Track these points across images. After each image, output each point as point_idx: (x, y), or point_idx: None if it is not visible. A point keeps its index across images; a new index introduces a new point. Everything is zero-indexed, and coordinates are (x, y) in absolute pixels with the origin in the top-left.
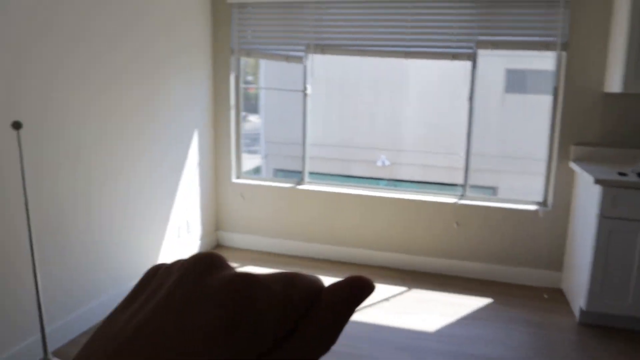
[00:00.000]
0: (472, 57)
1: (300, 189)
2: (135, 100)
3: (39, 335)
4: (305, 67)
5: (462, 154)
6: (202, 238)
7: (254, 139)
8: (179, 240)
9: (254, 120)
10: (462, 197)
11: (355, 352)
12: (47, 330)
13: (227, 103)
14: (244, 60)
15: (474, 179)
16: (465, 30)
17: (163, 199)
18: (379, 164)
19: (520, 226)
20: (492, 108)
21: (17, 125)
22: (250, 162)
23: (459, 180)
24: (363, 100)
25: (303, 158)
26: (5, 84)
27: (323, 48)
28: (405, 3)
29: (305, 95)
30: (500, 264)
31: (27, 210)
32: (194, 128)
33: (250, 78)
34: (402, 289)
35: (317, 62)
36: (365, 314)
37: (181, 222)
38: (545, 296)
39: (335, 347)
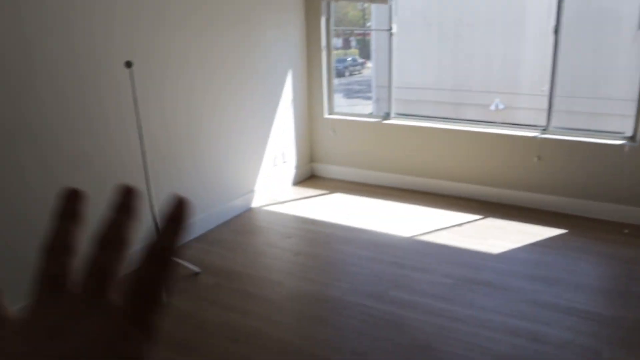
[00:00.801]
0: None
1: (386, 123)
2: (230, 41)
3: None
4: (390, 7)
5: (580, 95)
6: (297, 168)
7: (369, 84)
8: (275, 168)
9: (370, 66)
10: (544, 131)
11: (418, 265)
12: None
13: (318, 45)
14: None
15: (602, 124)
16: None
17: (260, 131)
18: (492, 107)
19: (605, 161)
20: (622, 46)
21: (128, 64)
22: (364, 108)
23: (580, 124)
24: (478, 41)
25: (389, 93)
26: (120, 30)
27: None
28: None
29: (390, 35)
30: (580, 197)
31: (141, 137)
32: (288, 68)
33: (369, 24)
34: (478, 217)
35: (430, 8)
36: (436, 235)
37: (277, 152)
38: (626, 231)
39: (398, 260)
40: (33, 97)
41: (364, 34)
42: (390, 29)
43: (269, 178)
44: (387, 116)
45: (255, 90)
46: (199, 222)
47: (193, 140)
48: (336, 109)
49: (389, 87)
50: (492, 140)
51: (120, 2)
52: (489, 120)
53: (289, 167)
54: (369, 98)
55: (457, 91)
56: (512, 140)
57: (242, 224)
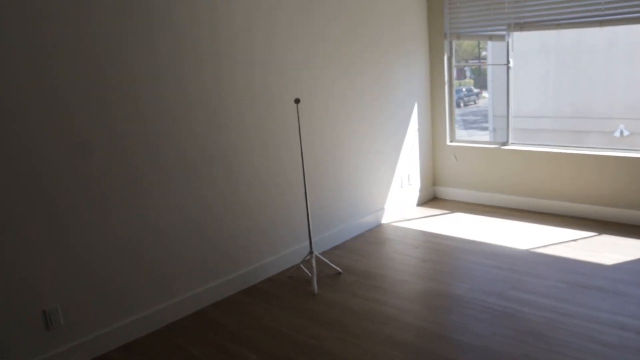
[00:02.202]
0: None
1: (504, 149)
2: (367, 80)
3: (307, 242)
4: (507, 44)
5: None
6: (421, 190)
7: (485, 115)
8: (402, 190)
9: (487, 97)
10: None
11: (533, 272)
12: (313, 239)
13: (441, 79)
14: (459, 41)
15: None
16: None
17: (390, 157)
18: (617, 134)
19: None
20: None
21: (297, 101)
22: (480, 139)
23: None
24: (597, 67)
25: (507, 122)
26: (283, 76)
27: (522, 25)
28: None
29: (508, 68)
30: None
31: (302, 157)
32: (414, 100)
33: (484, 53)
34: (592, 233)
35: (547, 35)
36: (551, 248)
37: (404, 175)
38: None
39: (515, 267)
40: (225, 129)
41: (479, 63)
42: (507, 62)
43: (396, 198)
44: (505, 143)
45: (387, 121)
46: (339, 233)
47: (336, 162)
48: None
49: (507, 116)
50: (613, 163)
51: (291, 55)
52: (614, 147)
53: (414, 189)
54: (484, 129)
55: (578, 118)
56: (630, 162)
57: (373, 237)
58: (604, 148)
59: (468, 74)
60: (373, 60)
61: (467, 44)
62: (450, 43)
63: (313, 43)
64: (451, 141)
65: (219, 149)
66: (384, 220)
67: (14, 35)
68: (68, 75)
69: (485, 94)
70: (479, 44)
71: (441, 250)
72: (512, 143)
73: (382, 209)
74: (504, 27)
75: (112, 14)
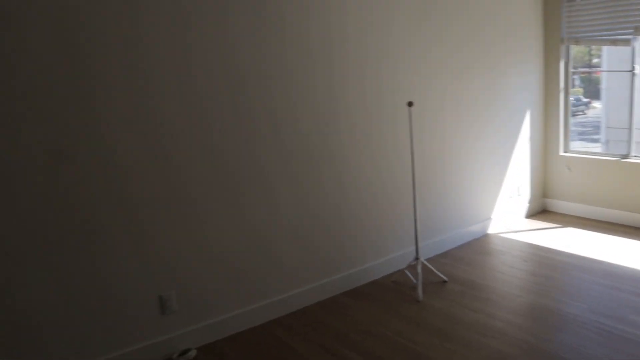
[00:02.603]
0: None
1: (625, 162)
2: (480, 86)
3: (413, 247)
4: (633, 49)
5: None
6: (530, 202)
7: (596, 126)
8: (510, 200)
9: (598, 107)
10: None
11: None
12: (419, 245)
13: (556, 86)
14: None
15: None
16: None
17: (499, 166)
18: None
19: None
20: None
21: (410, 104)
22: (591, 150)
23: None
24: None
25: (629, 135)
26: (402, 76)
27: None
28: None
29: (633, 75)
30: None
31: (412, 162)
32: (527, 108)
33: (596, 60)
34: None
35: None
36: None
37: (513, 185)
38: None
39: (638, 290)
40: (333, 129)
41: (590, 72)
42: (632, 69)
43: (504, 208)
44: (625, 156)
45: (498, 128)
46: (445, 241)
47: (445, 168)
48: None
49: (630, 127)
50: None
51: (404, 56)
52: None
53: (523, 200)
54: (594, 140)
55: None
56: None
57: (480, 246)
58: None
59: (577, 82)
60: (487, 65)
61: (577, 50)
62: (567, 48)
63: (427, 47)
64: (565, 151)
65: (329, 151)
66: (491, 231)
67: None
68: (210, 85)
69: (595, 103)
70: (590, 50)
71: (552, 265)
72: (634, 156)
73: (489, 218)
74: (631, 30)
75: (248, 28)
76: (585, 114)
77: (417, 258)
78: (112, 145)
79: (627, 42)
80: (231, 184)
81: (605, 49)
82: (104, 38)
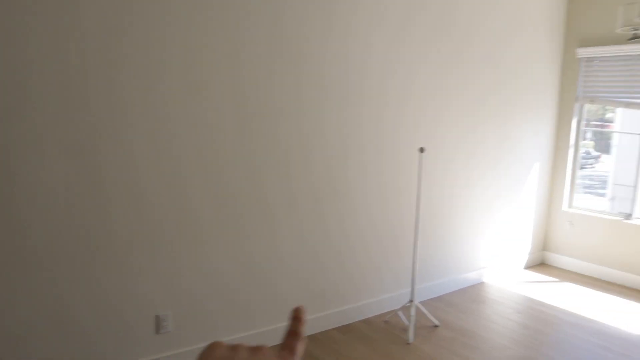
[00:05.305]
0: None
1: (627, 222)
2: (491, 138)
3: (409, 289)
4: None
5: None
6: (530, 254)
7: (604, 180)
8: (509, 250)
9: (607, 162)
10: None
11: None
12: (415, 287)
13: (566, 143)
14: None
15: None
16: None
17: (501, 214)
18: None
19: None
20: None
21: (422, 150)
22: (596, 204)
23: None
24: None
25: (634, 194)
26: (414, 124)
27: None
28: None
29: None
30: None
31: (417, 206)
32: (536, 160)
33: (610, 115)
34: None
35: None
36: None
37: (513, 235)
38: None
39: (628, 352)
40: (342, 168)
41: (603, 125)
42: None
43: (502, 258)
44: (628, 216)
45: (505, 178)
46: (441, 285)
47: (449, 215)
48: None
49: (635, 188)
50: None
51: (424, 106)
52: None
53: (522, 251)
54: (600, 195)
55: None
56: None
57: (475, 294)
58: None
59: (589, 135)
60: (501, 118)
61: (592, 105)
62: (581, 106)
63: (447, 97)
64: (569, 207)
65: (335, 188)
66: (487, 279)
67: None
68: (221, 117)
69: (604, 158)
70: (604, 107)
71: (545, 319)
72: (636, 217)
73: (486, 266)
74: None
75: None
76: (594, 167)
77: (411, 300)
78: (126, 165)
79: (639, 106)
80: (235, 213)
81: (620, 110)
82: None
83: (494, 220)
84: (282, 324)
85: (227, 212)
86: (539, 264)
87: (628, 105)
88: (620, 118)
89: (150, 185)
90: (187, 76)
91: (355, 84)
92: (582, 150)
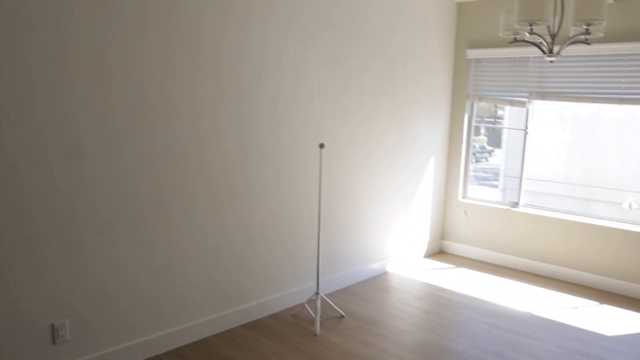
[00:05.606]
0: None
1: (514, 211)
2: (388, 132)
3: (314, 282)
4: (527, 110)
5: None
6: (429, 243)
7: (496, 173)
8: (410, 240)
9: (499, 156)
10: None
11: (533, 335)
12: (320, 280)
13: (459, 137)
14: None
15: None
16: None
17: (401, 206)
18: (625, 206)
19: None
20: None
21: (321, 146)
22: (488, 196)
23: None
24: (611, 139)
25: (519, 185)
26: (314, 121)
27: (544, 95)
28: (621, 56)
29: (526, 133)
30: None
31: (319, 198)
32: (432, 154)
33: (501, 112)
34: (594, 303)
35: (566, 103)
36: (552, 313)
37: (413, 226)
38: None
39: (515, 328)
40: (243, 168)
41: (495, 122)
42: (525, 128)
43: (404, 248)
44: (515, 205)
45: (403, 172)
46: (346, 277)
47: (350, 208)
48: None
49: (520, 179)
50: (616, 235)
51: (317, 106)
52: (619, 218)
53: (422, 241)
54: (494, 186)
55: (588, 187)
56: (635, 236)
57: (379, 283)
58: (611, 220)
59: (482, 131)
60: (397, 114)
61: (484, 103)
62: (472, 104)
63: (347, 96)
64: (463, 197)
65: (234, 185)
66: (390, 269)
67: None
68: (118, 112)
69: (497, 152)
70: (496, 104)
71: (444, 303)
72: (522, 206)
73: (389, 257)
74: (526, 94)
75: (158, 52)
76: (488, 161)
77: (317, 293)
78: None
79: (522, 104)
80: (135, 214)
81: (508, 108)
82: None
83: (396, 212)
84: (191, 324)
85: (127, 214)
86: (438, 252)
87: (512, 102)
88: (508, 115)
89: (33, 183)
90: (87, 72)
91: (251, 80)
92: (477, 145)
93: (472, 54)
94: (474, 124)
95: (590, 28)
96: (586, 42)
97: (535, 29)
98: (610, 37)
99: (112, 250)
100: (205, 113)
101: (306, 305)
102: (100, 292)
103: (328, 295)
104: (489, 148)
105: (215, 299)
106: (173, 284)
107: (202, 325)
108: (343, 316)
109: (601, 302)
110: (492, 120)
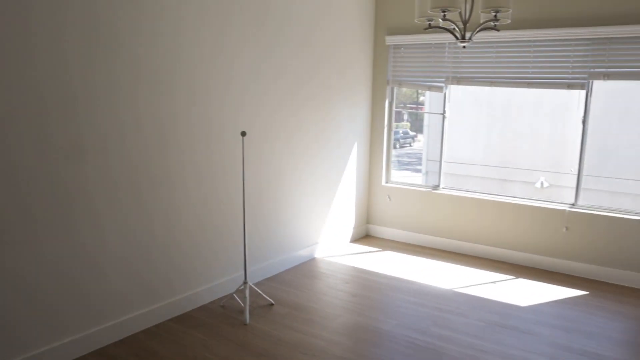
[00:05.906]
0: (586, 87)
1: (436, 192)
2: (309, 118)
3: (242, 272)
4: (444, 95)
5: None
6: (355, 228)
7: (419, 157)
8: (336, 225)
9: (421, 141)
10: (572, 205)
11: (455, 310)
12: (248, 269)
13: (381, 123)
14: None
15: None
16: (579, 63)
17: (327, 193)
18: (537, 185)
19: (624, 233)
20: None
21: (243, 134)
22: (413, 180)
23: (627, 205)
24: (524, 122)
25: (439, 168)
26: (235, 109)
27: (459, 79)
28: (529, 42)
29: (444, 118)
30: (602, 265)
31: (243, 187)
32: (355, 140)
33: (422, 98)
34: (510, 277)
35: (481, 88)
36: (472, 289)
37: (339, 211)
38: None
39: (438, 305)
40: (163, 159)
41: (417, 107)
42: (443, 112)
43: (330, 234)
44: (436, 187)
45: (327, 158)
46: (273, 265)
47: (276, 195)
48: (392, 178)
49: (440, 162)
50: (528, 212)
51: (234, 91)
52: (533, 197)
53: (348, 226)
54: (418, 170)
55: (504, 168)
56: (545, 212)
57: (307, 270)
58: (522, 198)
59: (405, 117)
60: (318, 100)
61: (407, 89)
62: (392, 89)
63: (267, 84)
64: (386, 182)
65: (155, 176)
66: (318, 255)
67: None
68: (33, 98)
69: (420, 137)
70: (417, 90)
71: (371, 286)
72: (443, 188)
73: (316, 243)
74: (443, 79)
75: (80, 37)
76: (411, 146)
77: (245, 282)
78: None
79: (440, 89)
80: (59, 206)
81: (428, 93)
82: None
83: (321, 198)
84: (118, 320)
85: (52, 203)
86: (364, 236)
87: (430, 88)
88: (429, 100)
89: None
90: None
91: (168, 68)
92: (400, 131)
93: (391, 40)
94: (395, 109)
95: (498, 15)
96: (495, 28)
97: (448, 15)
98: (519, 24)
99: (35, 242)
100: (122, 102)
101: (235, 296)
102: (9, 295)
103: (257, 284)
104: (412, 133)
105: (142, 293)
106: (99, 279)
107: (130, 321)
108: (272, 304)
109: (517, 276)
110: (414, 106)
